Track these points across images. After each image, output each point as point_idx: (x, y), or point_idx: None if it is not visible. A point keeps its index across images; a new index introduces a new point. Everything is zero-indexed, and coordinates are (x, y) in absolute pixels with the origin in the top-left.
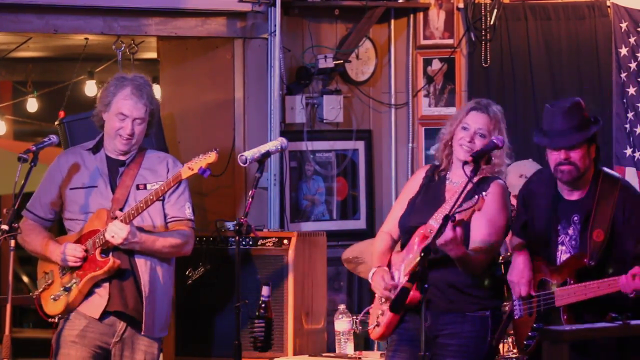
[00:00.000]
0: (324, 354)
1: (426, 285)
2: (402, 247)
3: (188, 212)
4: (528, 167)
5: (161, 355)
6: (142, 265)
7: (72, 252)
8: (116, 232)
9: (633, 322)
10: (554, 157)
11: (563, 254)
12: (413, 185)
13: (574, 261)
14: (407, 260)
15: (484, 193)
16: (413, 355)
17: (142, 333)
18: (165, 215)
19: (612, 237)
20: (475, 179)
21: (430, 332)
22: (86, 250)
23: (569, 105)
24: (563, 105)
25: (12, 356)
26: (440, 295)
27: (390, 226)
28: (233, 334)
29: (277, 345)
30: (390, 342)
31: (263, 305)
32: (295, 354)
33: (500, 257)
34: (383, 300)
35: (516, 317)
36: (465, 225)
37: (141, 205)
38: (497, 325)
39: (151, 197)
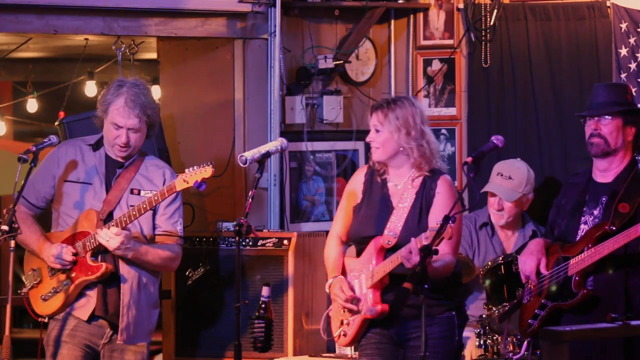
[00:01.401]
0: (323, 355)
1: (426, 286)
2: (358, 254)
3: (179, 228)
4: (508, 166)
5: (161, 355)
6: (126, 272)
7: (64, 256)
8: (111, 237)
9: (633, 322)
10: (587, 128)
11: (584, 232)
12: (355, 189)
13: (594, 230)
14: (368, 273)
15: (451, 222)
16: (388, 355)
17: (118, 341)
18: (154, 227)
19: (637, 214)
20: (419, 182)
21: (399, 338)
22: (75, 254)
23: (614, 83)
24: (609, 83)
25: (11, 356)
26: (406, 304)
27: (338, 229)
28: (233, 334)
29: (277, 345)
30: (362, 346)
31: (263, 305)
32: (295, 354)
33: (500, 258)
34: (344, 311)
35: (525, 301)
36: (422, 230)
37: (134, 213)
38: (463, 323)
39: (144, 206)
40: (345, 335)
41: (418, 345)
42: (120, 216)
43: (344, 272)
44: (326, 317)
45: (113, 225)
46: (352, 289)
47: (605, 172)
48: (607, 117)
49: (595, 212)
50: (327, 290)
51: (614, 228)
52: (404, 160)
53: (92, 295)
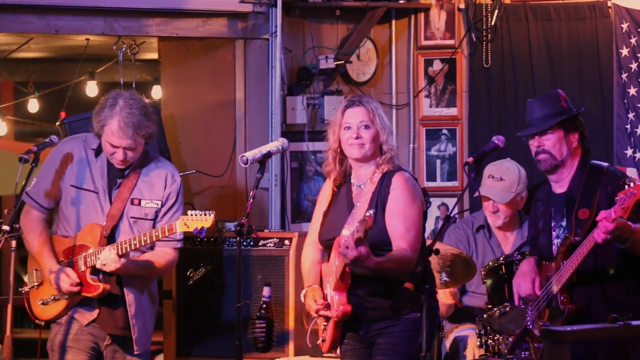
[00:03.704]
0: (324, 355)
1: (427, 286)
2: (329, 258)
3: (178, 232)
4: (498, 167)
5: (162, 355)
6: (129, 284)
7: (68, 285)
8: (108, 263)
9: (634, 322)
10: (531, 147)
11: (557, 247)
12: (326, 196)
13: (563, 244)
14: (331, 275)
15: (371, 211)
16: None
17: (135, 353)
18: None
19: (597, 215)
20: (377, 179)
21: (368, 339)
22: (80, 284)
23: (546, 95)
24: (541, 96)
25: (13, 356)
26: (368, 306)
27: (313, 237)
28: (234, 334)
29: (278, 345)
30: (342, 353)
31: (264, 305)
32: (296, 354)
33: (501, 258)
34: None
35: (530, 327)
36: (382, 228)
37: (134, 242)
38: (430, 326)
39: (145, 239)
40: (324, 340)
41: (379, 342)
42: (122, 242)
43: (320, 278)
44: (311, 331)
45: (113, 249)
46: (326, 296)
47: (558, 182)
48: (548, 132)
49: (563, 224)
50: (303, 301)
51: (577, 238)
52: (372, 159)
53: (93, 305)
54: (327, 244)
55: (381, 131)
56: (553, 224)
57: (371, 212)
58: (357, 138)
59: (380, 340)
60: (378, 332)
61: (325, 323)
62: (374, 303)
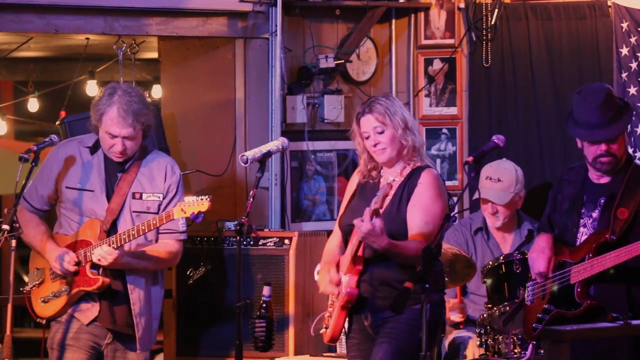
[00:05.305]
0: (325, 354)
1: (427, 285)
2: (346, 245)
3: (181, 224)
4: (495, 168)
5: (162, 355)
6: (132, 281)
7: (67, 265)
8: (103, 257)
9: (634, 321)
10: (593, 149)
11: (584, 236)
12: (354, 185)
13: (595, 237)
14: (345, 265)
15: (391, 178)
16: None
17: (137, 351)
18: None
19: (636, 218)
20: (406, 173)
21: (372, 329)
22: (78, 263)
23: (603, 97)
24: (596, 96)
25: (13, 356)
26: (376, 294)
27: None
28: (234, 333)
29: (278, 345)
30: (348, 347)
31: (264, 305)
32: (296, 354)
33: (501, 258)
34: (331, 301)
35: (528, 303)
36: (403, 219)
37: (132, 232)
38: (436, 319)
39: (143, 228)
40: (327, 328)
41: (386, 327)
42: (120, 233)
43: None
44: (320, 319)
45: (106, 244)
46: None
47: (603, 175)
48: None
49: (594, 215)
50: (316, 277)
51: (614, 238)
52: (399, 158)
53: (94, 303)
54: (346, 229)
55: (396, 130)
56: (583, 211)
57: (391, 179)
58: (375, 145)
59: (383, 327)
60: (383, 321)
61: (330, 311)
62: (383, 292)
